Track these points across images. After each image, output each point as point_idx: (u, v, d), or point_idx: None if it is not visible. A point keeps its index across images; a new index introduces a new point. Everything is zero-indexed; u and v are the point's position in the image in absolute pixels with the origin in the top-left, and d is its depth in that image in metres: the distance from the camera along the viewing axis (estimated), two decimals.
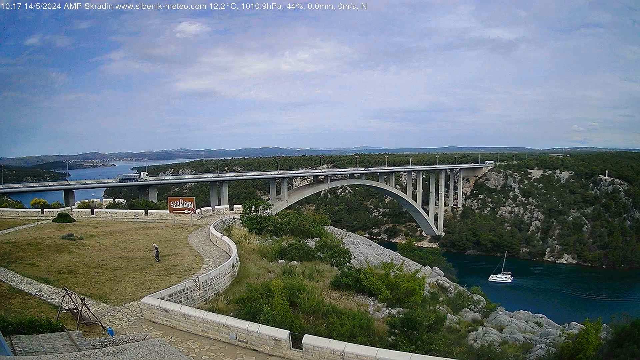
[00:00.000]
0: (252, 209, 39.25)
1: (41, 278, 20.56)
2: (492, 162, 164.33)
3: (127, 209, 48.15)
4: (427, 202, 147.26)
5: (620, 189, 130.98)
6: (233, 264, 23.02)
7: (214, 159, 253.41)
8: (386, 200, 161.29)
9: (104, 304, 17.52)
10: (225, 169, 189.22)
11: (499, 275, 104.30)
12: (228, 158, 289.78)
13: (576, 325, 22.70)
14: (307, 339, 12.70)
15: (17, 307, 16.48)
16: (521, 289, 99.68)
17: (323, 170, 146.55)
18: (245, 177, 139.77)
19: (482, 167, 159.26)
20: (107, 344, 12.47)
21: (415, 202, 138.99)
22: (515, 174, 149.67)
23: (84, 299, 15.47)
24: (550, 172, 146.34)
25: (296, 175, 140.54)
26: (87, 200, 55.78)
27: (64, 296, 15.59)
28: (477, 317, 24.62)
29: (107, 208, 48.93)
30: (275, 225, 36.85)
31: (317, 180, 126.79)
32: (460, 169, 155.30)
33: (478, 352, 17.25)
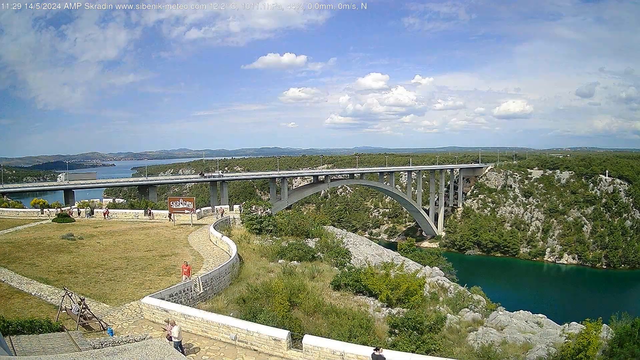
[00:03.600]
0: (252, 209, 39.25)
1: (41, 278, 20.55)
2: (492, 164, 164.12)
3: (127, 209, 48.14)
4: (427, 202, 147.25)
5: (621, 189, 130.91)
6: (233, 264, 23.02)
7: (214, 159, 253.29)
8: (386, 200, 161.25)
9: (104, 304, 17.50)
10: (226, 168, 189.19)
11: None
12: (228, 158, 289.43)
13: (576, 325, 22.65)
14: (307, 339, 12.70)
15: (17, 307, 16.48)
16: (521, 289, 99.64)
17: (323, 170, 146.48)
18: (245, 177, 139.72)
19: (482, 167, 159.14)
20: (107, 344, 12.47)
21: (415, 202, 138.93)
22: (516, 174, 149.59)
23: (84, 299, 15.47)
24: (551, 172, 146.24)
25: (296, 175, 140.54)
26: (87, 200, 55.78)
27: (64, 296, 15.58)
28: (477, 317, 24.58)
29: (107, 208, 48.88)
30: (275, 225, 36.86)
31: (317, 180, 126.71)
32: (461, 169, 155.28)
33: (478, 352, 17.24)
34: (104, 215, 44.04)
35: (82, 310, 15.07)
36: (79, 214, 45.13)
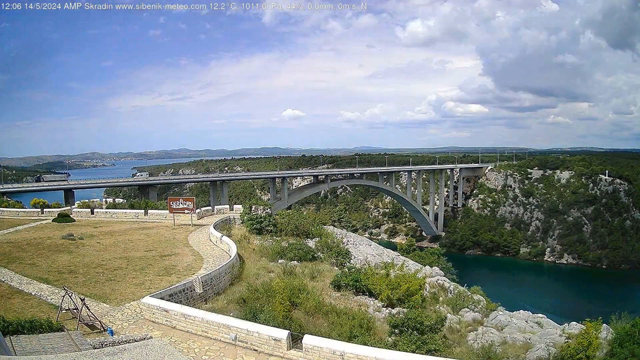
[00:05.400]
0: (252, 209, 39.25)
1: (41, 278, 20.55)
2: (492, 164, 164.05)
3: (127, 209, 48.12)
4: (427, 202, 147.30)
5: (621, 189, 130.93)
6: (233, 264, 23.03)
7: (214, 158, 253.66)
8: (386, 200, 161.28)
9: (104, 304, 17.50)
10: (225, 169, 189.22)
11: None
12: (228, 158, 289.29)
13: (576, 325, 22.67)
14: (307, 339, 12.70)
15: (17, 307, 16.47)
16: (521, 289, 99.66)
17: (323, 170, 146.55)
18: (245, 177, 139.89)
19: (482, 167, 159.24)
20: (107, 344, 12.47)
21: (415, 202, 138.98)
22: (515, 174, 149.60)
23: (84, 299, 15.47)
24: (551, 172, 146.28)
25: (296, 175, 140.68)
26: (87, 200, 55.76)
27: (64, 296, 15.58)
28: (477, 317, 24.58)
29: (107, 208, 48.88)
30: (275, 225, 36.86)
31: (317, 180, 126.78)
32: (461, 169, 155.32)
33: (478, 352, 17.24)
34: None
35: (82, 310, 15.08)
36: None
